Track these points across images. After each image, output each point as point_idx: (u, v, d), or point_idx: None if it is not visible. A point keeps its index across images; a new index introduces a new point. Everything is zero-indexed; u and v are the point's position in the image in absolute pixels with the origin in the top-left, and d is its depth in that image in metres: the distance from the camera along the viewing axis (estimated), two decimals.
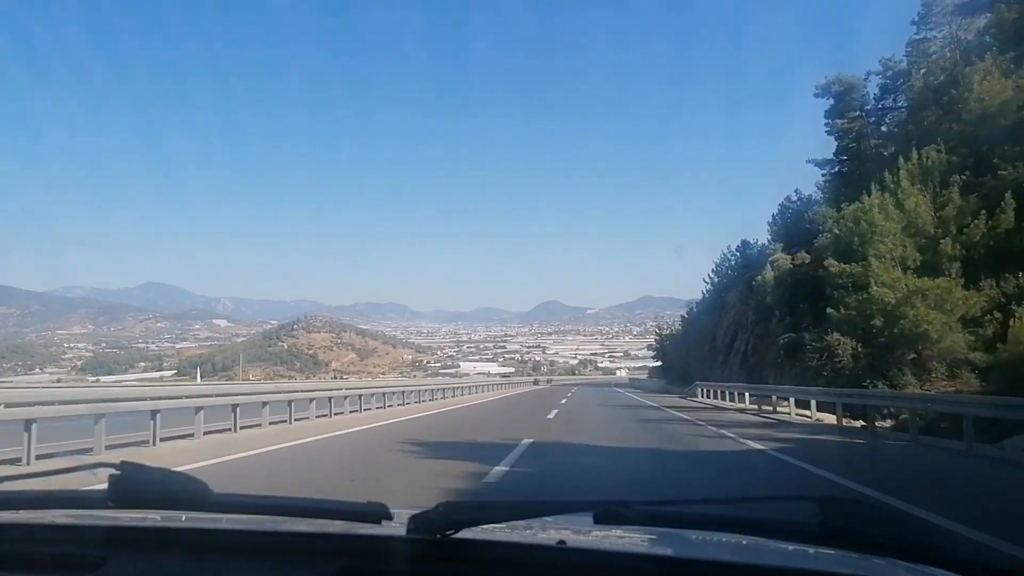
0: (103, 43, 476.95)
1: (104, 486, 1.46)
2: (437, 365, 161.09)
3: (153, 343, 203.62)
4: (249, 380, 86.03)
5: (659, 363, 76.96)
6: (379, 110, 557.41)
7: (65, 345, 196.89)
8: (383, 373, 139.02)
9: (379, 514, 1.28)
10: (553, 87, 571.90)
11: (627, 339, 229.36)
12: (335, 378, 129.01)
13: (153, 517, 1.53)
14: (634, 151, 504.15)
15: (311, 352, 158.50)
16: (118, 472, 1.49)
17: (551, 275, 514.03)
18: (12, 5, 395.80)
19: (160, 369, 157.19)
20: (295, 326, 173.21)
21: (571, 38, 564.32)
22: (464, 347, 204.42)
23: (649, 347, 79.09)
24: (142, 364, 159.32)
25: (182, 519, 1.52)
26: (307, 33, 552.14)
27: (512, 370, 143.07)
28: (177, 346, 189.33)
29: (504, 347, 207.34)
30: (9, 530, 1.48)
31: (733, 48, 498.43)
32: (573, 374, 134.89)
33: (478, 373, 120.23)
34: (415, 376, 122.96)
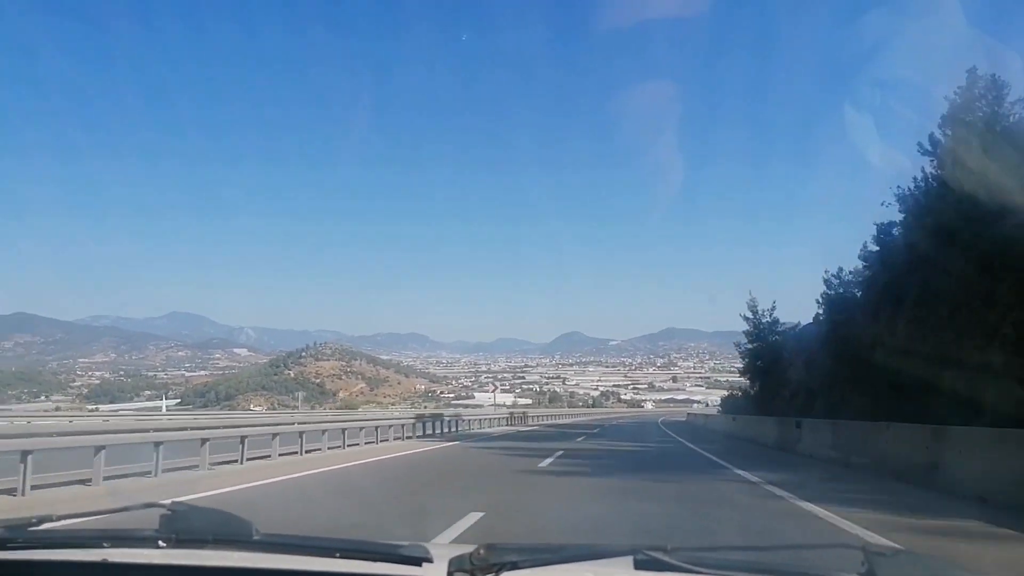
0: (147, 87, 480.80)
1: (155, 525, 1.51)
2: (451, 396, 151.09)
3: (170, 371, 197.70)
4: (236, 411, 76.76)
5: (751, 388, 39.20)
6: (406, 148, 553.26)
7: (78, 373, 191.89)
8: (392, 404, 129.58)
9: (419, 556, 1.29)
10: (579, 136, 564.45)
11: (651, 371, 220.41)
12: (341, 409, 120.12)
13: (203, 556, 1.54)
14: (658, 186, 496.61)
15: (318, 381, 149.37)
16: (169, 511, 1.56)
17: (573, 306, 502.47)
18: (65, 57, 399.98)
19: (166, 398, 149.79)
20: (303, 354, 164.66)
21: (595, 91, 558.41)
22: (482, 377, 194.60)
23: (736, 351, 41.56)
24: (147, 392, 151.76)
25: (230, 558, 1.53)
26: (346, 91, 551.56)
27: (530, 401, 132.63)
28: (188, 375, 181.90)
29: (523, 378, 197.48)
30: (62, 568, 1.50)
31: (759, 93, 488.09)
32: (593, 406, 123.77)
33: (491, 405, 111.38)
34: (426, 407, 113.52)
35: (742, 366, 40.37)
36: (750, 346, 35.97)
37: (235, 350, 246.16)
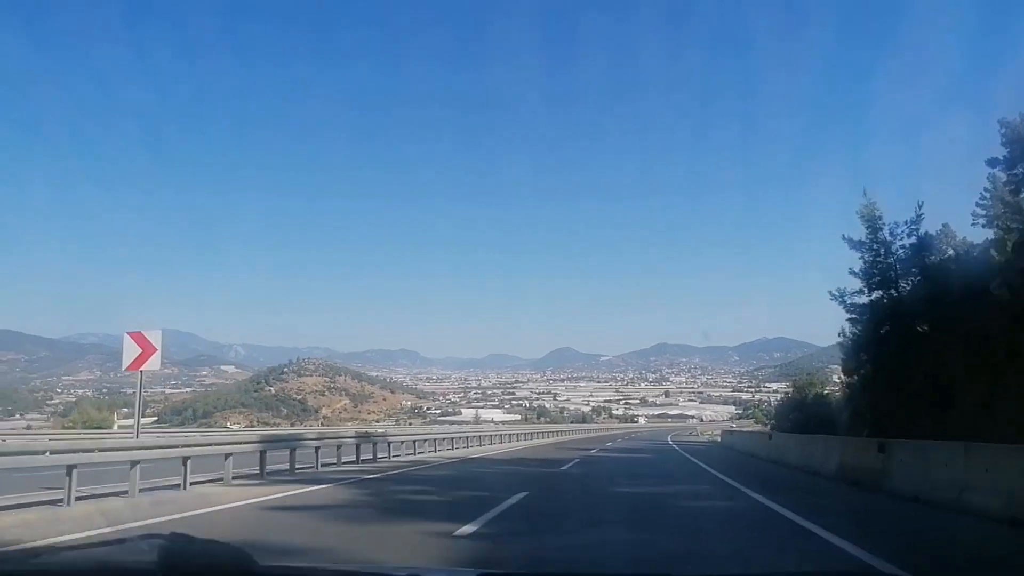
0: (141, 114, 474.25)
1: (154, 557, 1.45)
2: (437, 412, 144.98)
3: (153, 389, 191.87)
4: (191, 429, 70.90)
5: (856, 379, 21.88)
6: (398, 175, 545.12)
7: (57, 391, 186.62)
8: (377, 420, 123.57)
9: None
10: (571, 162, 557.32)
11: (642, 386, 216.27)
12: (323, 425, 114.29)
13: None
14: (650, 209, 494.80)
15: (300, 397, 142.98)
16: (167, 543, 1.51)
17: (564, 322, 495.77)
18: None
19: (143, 416, 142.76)
20: (286, 369, 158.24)
21: (587, 121, 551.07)
22: (471, 393, 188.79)
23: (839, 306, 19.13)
24: (124, 410, 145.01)
25: None
26: (339, 124, 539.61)
27: (519, 417, 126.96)
28: (167, 392, 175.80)
29: (513, 393, 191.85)
30: None
31: (753, 124, 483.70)
32: (583, 421, 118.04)
33: (481, 421, 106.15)
34: (411, 423, 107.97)
35: (847, 339, 20.54)
36: (867, 299, 17.94)
37: (223, 367, 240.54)
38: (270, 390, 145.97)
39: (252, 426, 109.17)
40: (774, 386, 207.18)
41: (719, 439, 42.41)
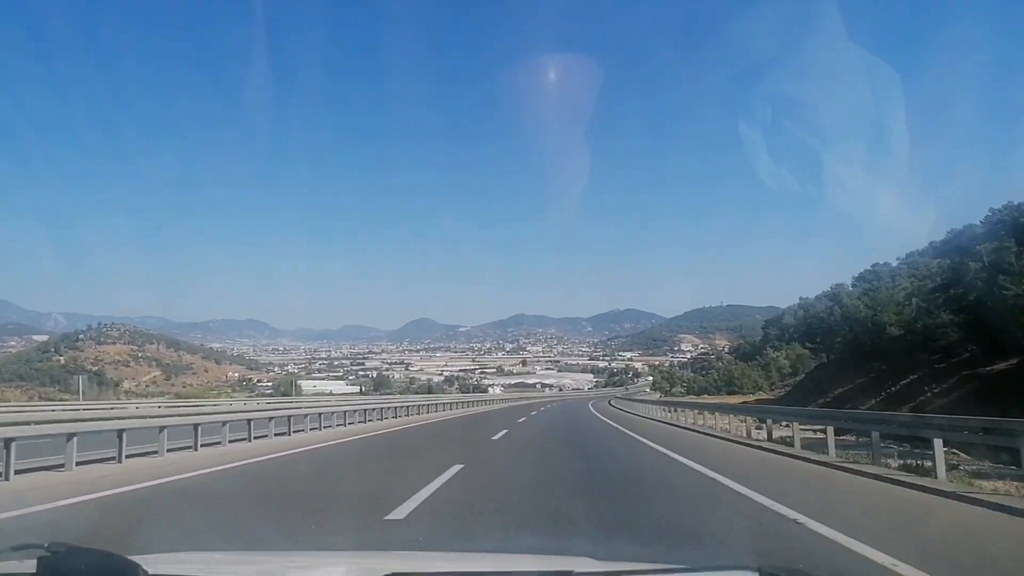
0: None
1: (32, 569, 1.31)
2: (268, 385, 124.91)
3: None
4: None
5: None
6: (239, 129, 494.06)
7: None
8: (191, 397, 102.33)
9: None
10: (426, 129, 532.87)
11: (500, 355, 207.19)
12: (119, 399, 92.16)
13: None
14: (505, 179, 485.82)
15: (97, 368, 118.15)
16: (48, 553, 1.34)
17: (424, 293, 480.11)
18: None
19: None
20: (81, 336, 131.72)
21: (464, 81, 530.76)
22: (316, 364, 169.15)
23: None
24: None
25: None
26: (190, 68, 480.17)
27: (357, 389, 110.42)
28: None
29: (363, 364, 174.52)
30: None
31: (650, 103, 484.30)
32: (431, 392, 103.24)
33: (317, 393, 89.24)
34: (232, 399, 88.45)
35: None
36: None
37: (35, 337, 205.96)
38: (59, 360, 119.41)
39: (31, 402, 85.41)
40: (628, 355, 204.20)
41: None
